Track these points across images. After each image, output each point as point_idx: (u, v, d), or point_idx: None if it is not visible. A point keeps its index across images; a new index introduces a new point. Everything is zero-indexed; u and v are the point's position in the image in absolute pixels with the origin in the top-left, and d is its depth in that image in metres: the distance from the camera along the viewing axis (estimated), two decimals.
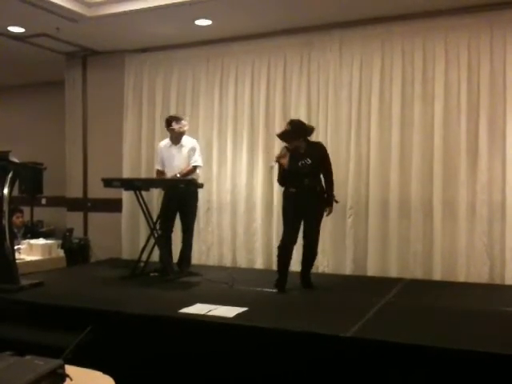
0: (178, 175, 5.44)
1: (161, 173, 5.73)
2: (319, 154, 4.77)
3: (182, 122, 5.61)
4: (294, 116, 5.80)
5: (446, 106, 5.36)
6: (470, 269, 5.24)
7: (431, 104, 5.42)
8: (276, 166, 4.82)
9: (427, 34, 5.44)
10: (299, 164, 4.64)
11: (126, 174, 6.74)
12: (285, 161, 4.65)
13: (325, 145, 5.75)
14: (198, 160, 5.60)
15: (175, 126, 5.55)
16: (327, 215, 4.84)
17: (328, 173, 4.78)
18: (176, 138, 5.61)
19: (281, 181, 4.84)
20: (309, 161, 4.65)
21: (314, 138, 5.82)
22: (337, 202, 4.82)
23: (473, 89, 5.28)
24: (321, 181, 4.77)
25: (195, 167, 5.59)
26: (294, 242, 4.75)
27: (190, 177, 5.47)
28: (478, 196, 5.22)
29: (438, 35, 5.39)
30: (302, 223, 4.73)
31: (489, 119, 5.20)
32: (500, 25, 5.17)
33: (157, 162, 5.86)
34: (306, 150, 4.72)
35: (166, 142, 5.71)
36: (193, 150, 5.59)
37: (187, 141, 5.65)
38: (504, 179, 5.15)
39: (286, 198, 4.78)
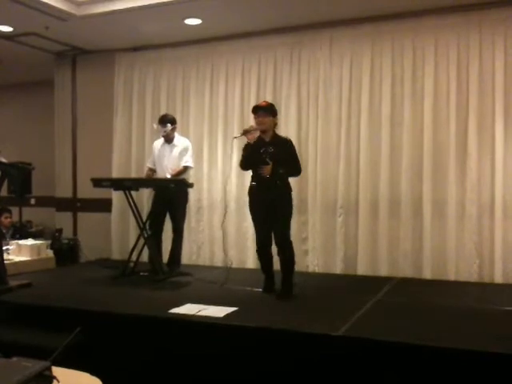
0: (169, 176, 5.41)
1: (151, 170, 5.71)
2: (283, 146, 4.47)
3: (167, 125, 5.51)
4: (284, 115, 5.82)
5: (435, 105, 5.38)
6: (460, 267, 5.27)
7: (421, 103, 5.44)
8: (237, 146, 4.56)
9: (417, 33, 5.46)
10: (261, 151, 4.40)
11: (116, 173, 6.72)
12: (252, 136, 4.41)
13: (315, 143, 5.81)
14: (189, 160, 5.57)
15: (160, 128, 5.52)
16: (261, 171, 4.40)
17: (293, 164, 4.50)
18: (166, 138, 5.59)
19: (242, 162, 4.56)
20: (271, 149, 4.40)
21: (303, 135, 5.87)
22: (281, 175, 4.40)
23: (462, 88, 5.30)
24: (284, 176, 4.46)
25: (186, 168, 5.57)
26: (268, 242, 4.49)
27: (180, 177, 5.46)
28: (468, 195, 5.25)
29: (428, 34, 5.41)
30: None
31: (478, 118, 5.23)
32: (488, 24, 5.19)
33: (148, 160, 5.85)
34: (272, 139, 4.48)
35: (161, 140, 5.69)
36: (185, 150, 5.56)
37: (180, 141, 5.63)
38: (493, 178, 5.18)
39: (249, 194, 4.58)
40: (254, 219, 4.59)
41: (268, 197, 4.41)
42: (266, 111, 4.47)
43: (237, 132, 6.09)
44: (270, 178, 4.38)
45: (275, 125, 4.61)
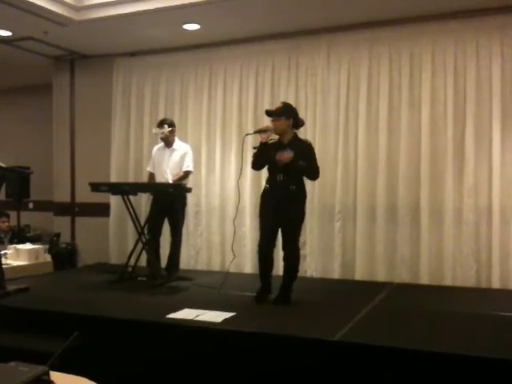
0: (170, 181, 5.42)
1: (151, 175, 5.73)
2: (301, 149, 4.32)
3: (164, 126, 5.52)
4: None
5: (432, 112, 5.40)
6: (457, 273, 5.28)
7: (418, 109, 5.46)
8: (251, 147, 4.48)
9: (414, 40, 5.48)
10: (277, 154, 4.29)
11: (114, 178, 6.73)
12: (265, 136, 4.33)
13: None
14: (190, 165, 5.58)
15: (158, 131, 5.54)
16: (279, 158, 4.26)
17: (311, 166, 4.37)
18: (165, 142, 5.60)
19: (253, 162, 4.47)
20: (287, 152, 4.26)
21: None
22: (301, 166, 4.24)
23: (459, 94, 5.33)
24: (299, 181, 4.35)
25: (187, 173, 5.58)
26: (269, 245, 4.38)
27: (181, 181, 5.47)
28: (465, 200, 5.27)
29: (425, 41, 5.44)
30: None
31: (475, 124, 5.25)
32: (485, 31, 5.22)
33: (149, 164, 5.87)
34: (290, 142, 4.36)
35: (161, 144, 5.70)
36: (185, 155, 5.57)
37: (180, 145, 5.64)
38: (490, 183, 5.20)
39: (261, 197, 4.50)
40: (260, 221, 4.50)
41: (279, 200, 4.30)
42: (277, 115, 4.38)
43: (237, 136, 6.13)
44: (283, 184, 4.29)
45: (299, 125, 4.52)
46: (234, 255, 5.19)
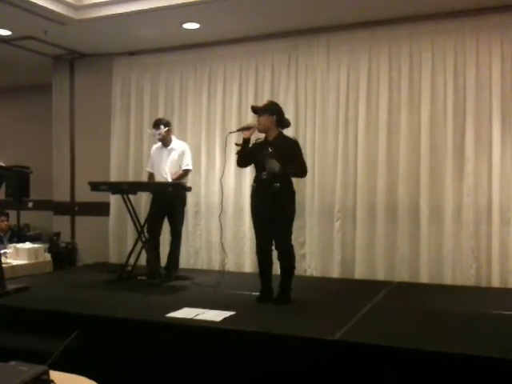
0: (169, 179, 5.42)
1: (150, 175, 5.73)
2: (286, 147, 4.28)
3: (161, 127, 5.52)
4: None
5: (432, 110, 5.40)
6: (457, 272, 5.28)
7: (418, 108, 5.46)
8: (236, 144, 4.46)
9: (414, 39, 5.48)
10: (262, 151, 4.27)
11: (114, 177, 6.72)
12: (248, 133, 4.34)
13: (313, 148, 5.81)
14: (189, 164, 5.59)
15: (154, 132, 5.53)
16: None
17: (297, 163, 4.31)
18: (163, 142, 5.60)
19: (237, 159, 4.48)
20: (270, 150, 4.23)
21: (301, 140, 5.85)
22: (292, 171, 4.24)
23: (459, 93, 5.32)
24: (285, 179, 4.28)
25: (186, 171, 5.58)
26: (265, 246, 4.37)
27: (181, 180, 5.47)
28: (465, 199, 5.27)
29: (425, 40, 5.43)
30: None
31: (475, 123, 5.25)
32: (485, 30, 5.22)
33: (148, 164, 5.87)
34: (275, 139, 4.33)
35: (158, 144, 5.70)
36: (183, 153, 5.57)
37: (177, 144, 5.65)
38: (490, 182, 5.20)
39: (250, 196, 4.49)
40: (253, 221, 4.50)
41: (264, 198, 4.28)
42: (262, 111, 4.37)
43: (237, 135, 6.10)
44: (267, 182, 4.25)
45: (285, 125, 4.48)
46: (226, 254, 5.19)
